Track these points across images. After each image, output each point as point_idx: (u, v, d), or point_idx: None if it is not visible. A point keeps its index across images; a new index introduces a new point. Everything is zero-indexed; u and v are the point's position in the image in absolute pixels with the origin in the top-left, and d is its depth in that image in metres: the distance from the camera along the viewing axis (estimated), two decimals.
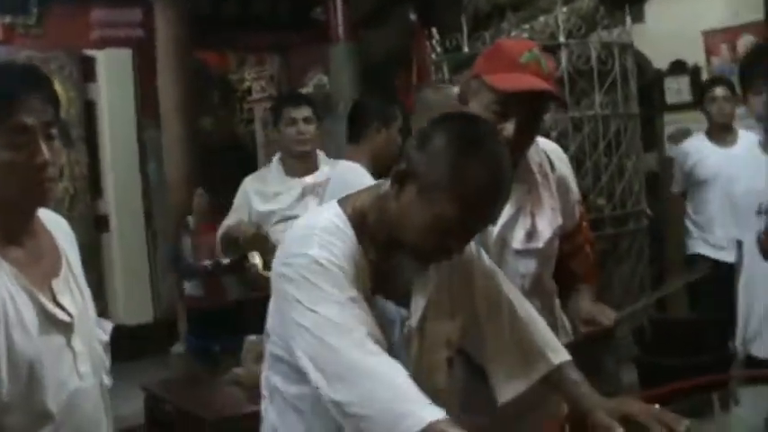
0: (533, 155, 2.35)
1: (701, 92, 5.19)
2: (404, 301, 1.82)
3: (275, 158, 4.14)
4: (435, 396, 1.86)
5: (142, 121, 7.71)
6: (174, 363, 6.60)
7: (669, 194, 5.22)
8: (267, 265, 10.28)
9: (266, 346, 1.90)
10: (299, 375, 1.72)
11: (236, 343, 6.11)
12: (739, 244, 3.33)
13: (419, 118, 3.00)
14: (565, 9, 4.37)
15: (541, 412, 2.22)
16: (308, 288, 1.68)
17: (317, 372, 1.65)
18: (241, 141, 11.25)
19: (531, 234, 2.33)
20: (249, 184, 4.12)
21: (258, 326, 4.85)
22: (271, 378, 1.89)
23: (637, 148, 4.69)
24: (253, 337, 4.40)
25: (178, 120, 7.32)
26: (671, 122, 6.94)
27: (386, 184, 1.79)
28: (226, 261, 5.85)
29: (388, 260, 1.80)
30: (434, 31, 4.55)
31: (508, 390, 1.99)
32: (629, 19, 4.49)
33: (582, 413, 1.89)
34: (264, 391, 1.94)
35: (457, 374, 2.00)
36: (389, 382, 1.60)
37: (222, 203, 6.68)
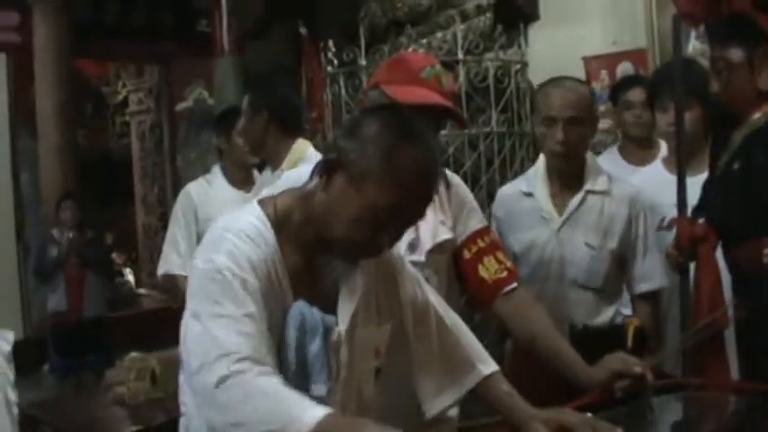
0: None
1: (614, 96, 4.06)
2: (329, 307, 1.75)
3: (215, 168, 4.20)
4: (361, 408, 1.81)
5: (16, 130, 7.41)
6: (47, 382, 6.34)
7: None
8: (140, 283, 10.00)
9: (182, 357, 1.80)
10: None
11: (102, 361, 5.99)
12: None
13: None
14: (463, 26, 4.41)
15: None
16: (203, 298, 1.61)
17: (193, 390, 1.60)
18: (114, 155, 11.01)
19: (414, 245, 2.33)
20: (194, 191, 4.14)
21: (127, 343, 4.68)
22: (185, 392, 1.80)
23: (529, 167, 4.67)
24: (134, 354, 4.26)
25: (55, 130, 7.06)
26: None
27: (311, 182, 1.73)
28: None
29: (313, 262, 1.73)
30: (330, 44, 4.51)
31: (437, 402, 1.95)
32: (522, 39, 4.56)
33: (517, 424, 1.87)
34: (182, 407, 1.84)
35: (383, 389, 1.93)
36: (267, 396, 1.52)
37: (91, 217, 6.55)
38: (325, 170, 1.66)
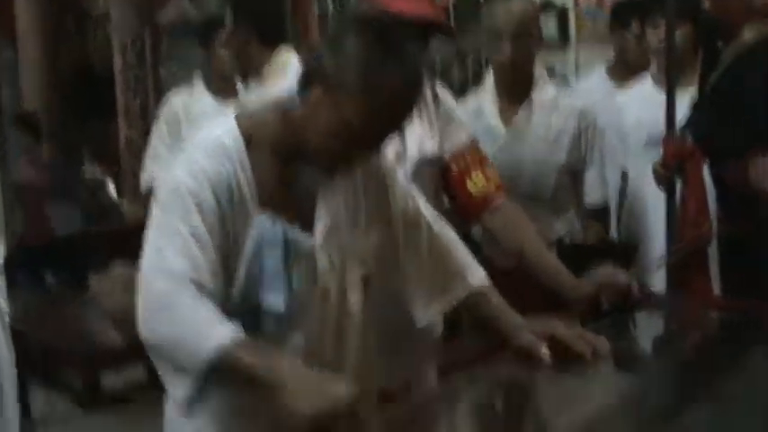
0: None
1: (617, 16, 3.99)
2: (307, 222, 1.73)
3: (197, 79, 4.10)
4: (347, 319, 1.80)
5: None
6: (25, 297, 6.32)
7: None
8: (121, 194, 9.84)
9: None
10: None
11: (70, 279, 5.89)
12: (624, 175, 3.41)
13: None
14: None
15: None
16: (157, 211, 1.65)
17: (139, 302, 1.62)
18: (96, 70, 10.83)
19: (400, 155, 2.28)
20: (178, 103, 4.05)
21: (112, 255, 4.57)
22: None
23: None
24: (120, 267, 4.25)
25: (35, 43, 6.93)
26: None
27: (291, 96, 1.71)
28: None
29: (288, 177, 1.71)
30: None
31: (426, 313, 1.95)
32: None
33: (505, 336, 1.88)
34: None
35: (374, 300, 1.93)
36: (187, 314, 1.57)
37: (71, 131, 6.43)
38: (303, 81, 1.65)
